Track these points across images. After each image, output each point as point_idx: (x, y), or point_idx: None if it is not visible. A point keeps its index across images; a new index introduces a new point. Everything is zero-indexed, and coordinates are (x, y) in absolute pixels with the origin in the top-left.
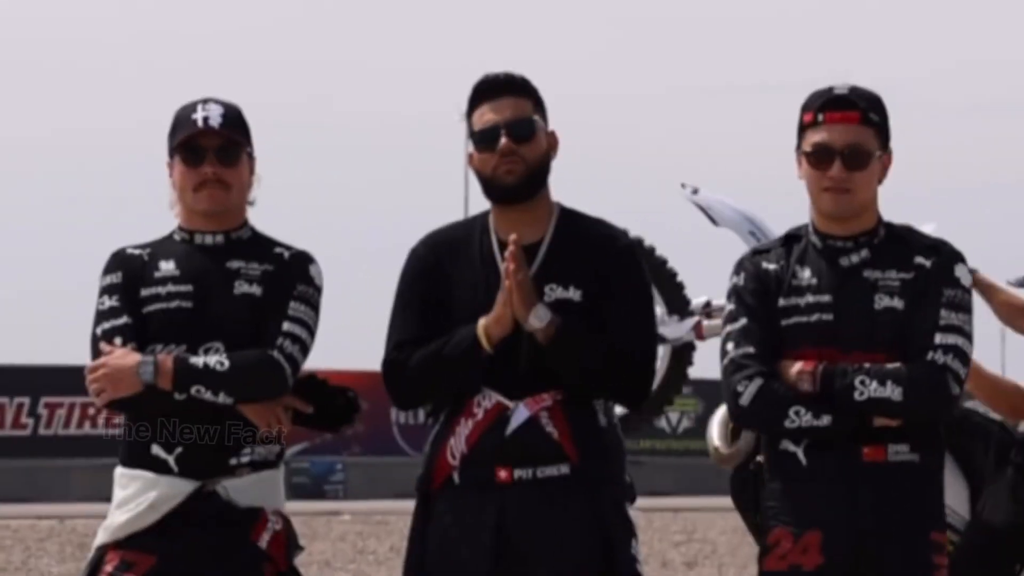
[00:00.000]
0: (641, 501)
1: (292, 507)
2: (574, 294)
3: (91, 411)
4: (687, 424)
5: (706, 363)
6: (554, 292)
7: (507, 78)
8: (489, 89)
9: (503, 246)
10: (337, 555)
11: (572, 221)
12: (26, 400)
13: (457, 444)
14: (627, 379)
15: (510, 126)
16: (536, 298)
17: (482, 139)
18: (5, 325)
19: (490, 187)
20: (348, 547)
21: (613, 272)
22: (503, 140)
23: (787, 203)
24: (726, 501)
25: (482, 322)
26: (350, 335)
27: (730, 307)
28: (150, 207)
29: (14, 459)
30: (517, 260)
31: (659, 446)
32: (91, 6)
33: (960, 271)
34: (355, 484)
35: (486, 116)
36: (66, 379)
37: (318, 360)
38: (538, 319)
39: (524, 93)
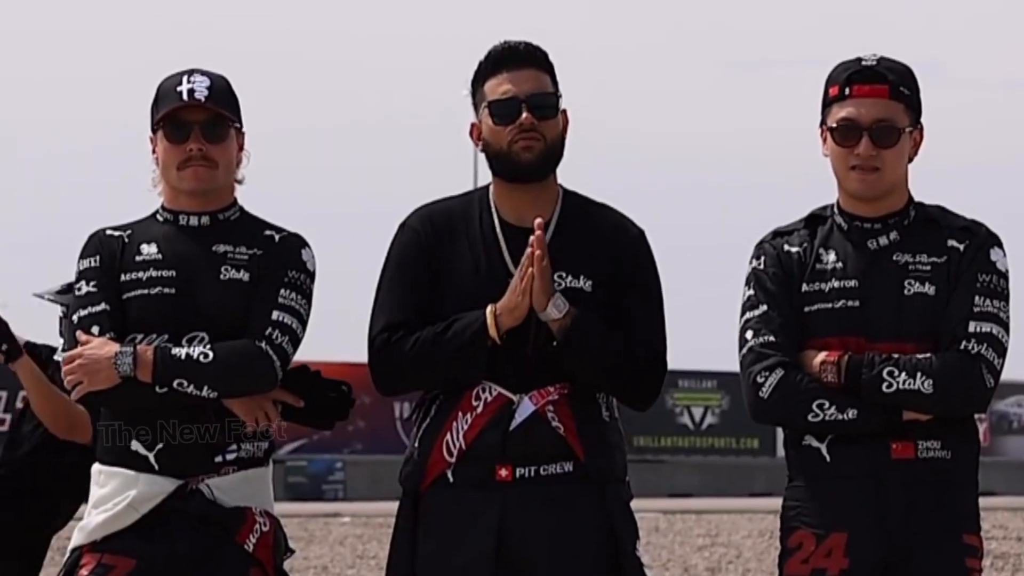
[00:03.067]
0: (662, 502)
1: (288, 508)
2: (584, 284)
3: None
4: (712, 420)
5: (732, 355)
6: (564, 280)
7: (528, 47)
8: (509, 58)
9: (505, 226)
10: (336, 560)
11: (578, 205)
12: (3, 394)
13: (454, 439)
14: (640, 378)
15: (532, 99)
16: (554, 287)
17: (500, 111)
18: None
19: (503, 163)
20: (347, 551)
21: (628, 265)
22: (524, 114)
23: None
24: (752, 503)
25: (491, 309)
26: (345, 324)
27: (749, 293)
28: (132, 185)
29: None
30: (543, 246)
31: (682, 443)
32: None
33: (996, 255)
34: (355, 484)
35: (504, 86)
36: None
37: (311, 351)
38: (556, 309)
39: (545, 66)
